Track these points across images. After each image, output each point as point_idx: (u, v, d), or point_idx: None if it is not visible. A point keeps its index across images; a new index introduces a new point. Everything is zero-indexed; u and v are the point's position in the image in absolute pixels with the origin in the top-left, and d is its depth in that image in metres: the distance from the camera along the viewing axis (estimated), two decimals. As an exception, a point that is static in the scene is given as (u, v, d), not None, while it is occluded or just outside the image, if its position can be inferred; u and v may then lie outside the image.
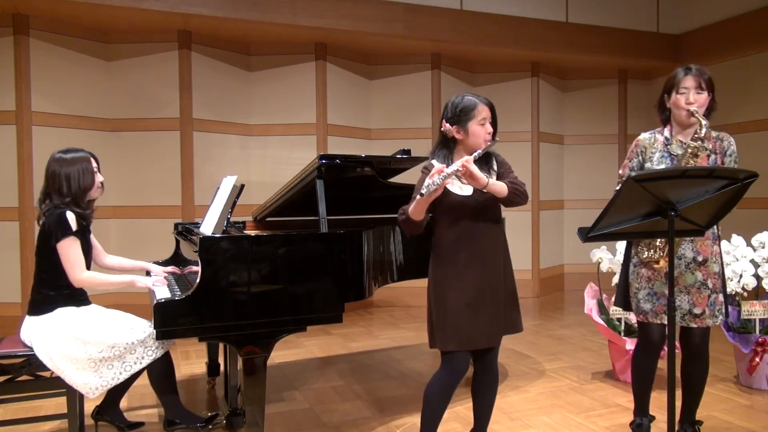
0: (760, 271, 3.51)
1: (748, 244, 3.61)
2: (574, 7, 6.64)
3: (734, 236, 3.63)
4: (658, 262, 2.55)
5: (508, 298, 2.39)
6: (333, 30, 5.57)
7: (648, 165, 2.60)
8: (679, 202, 2.00)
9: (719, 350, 4.39)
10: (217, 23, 5.27)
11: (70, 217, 2.69)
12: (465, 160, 2.19)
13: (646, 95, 7.34)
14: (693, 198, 1.99)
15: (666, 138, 2.61)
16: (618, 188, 2.72)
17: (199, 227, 3.25)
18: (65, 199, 2.74)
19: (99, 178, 2.87)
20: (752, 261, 3.54)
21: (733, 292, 3.54)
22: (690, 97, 2.49)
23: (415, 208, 2.25)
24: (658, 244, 2.55)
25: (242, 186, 2.76)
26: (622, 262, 2.79)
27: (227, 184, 2.97)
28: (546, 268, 7.10)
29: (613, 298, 3.58)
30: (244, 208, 4.27)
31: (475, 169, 2.20)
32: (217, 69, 5.68)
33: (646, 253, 2.58)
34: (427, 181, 2.17)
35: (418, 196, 2.21)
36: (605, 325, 3.71)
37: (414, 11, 5.84)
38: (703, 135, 2.47)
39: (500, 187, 2.27)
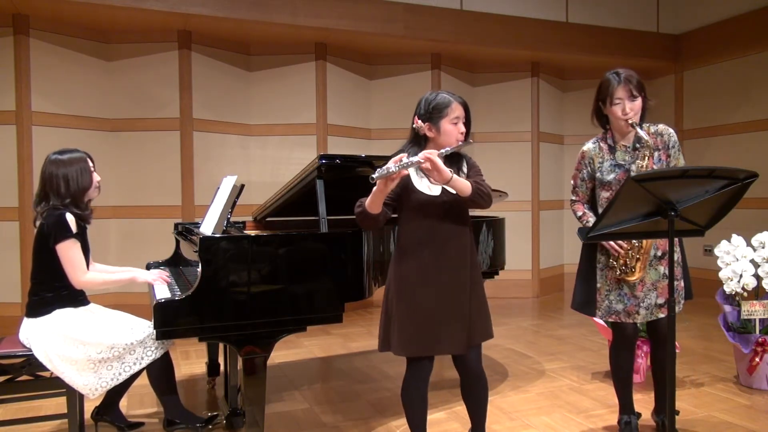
0: (760, 271, 3.51)
1: (748, 244, 3.61)
2: (574, 7, 6.64)
3: (734, 236, 3.63)
4: (632, 275, 2.56)
5: (476, 305, 2.30)
6: (333, 30, 5.57)
7: (598, 175, 2.67)
8: (679, 202, 2.00)
9: (719, 350, 4.40)
10: (216, 23, 5.27)
11: (70, 218, 2.67)
12: (429, 152, 2.12)
13: (646, 95, 7.33)
14: (693, 198, 1.99)
15: (610, 146, 2.67)
16: (571, 187, 2.76)
17: (199, 227, 3.25)
18: (64, 200, 2.71)
19: (96, 177, 2.85)
20: (752, 261, 3.54)
21: (733, 292, 3.55)
22: (626, 108, 2.53)
23: (372, 199, 2.15)
24: (625, 262, 2.56)
25: (242, 186, 2.76)
26: (579, 267, 2.76)
27: (227, 184, 2.97)
28: (546, 268, 7.09)
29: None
30: (244, 208, 4.27)
31: (439, 162, 2.12)
32: (217, 69, 5.68)
33: (618, 271, 2.58)
34: (383, 167, 2.07)
35: (375, 187, 2.12)
36: (605, 325, 3.71)
37: (414, 11, 5.84)
38: (642, 145, 2.53)
39: (464, 184, 2.18)
